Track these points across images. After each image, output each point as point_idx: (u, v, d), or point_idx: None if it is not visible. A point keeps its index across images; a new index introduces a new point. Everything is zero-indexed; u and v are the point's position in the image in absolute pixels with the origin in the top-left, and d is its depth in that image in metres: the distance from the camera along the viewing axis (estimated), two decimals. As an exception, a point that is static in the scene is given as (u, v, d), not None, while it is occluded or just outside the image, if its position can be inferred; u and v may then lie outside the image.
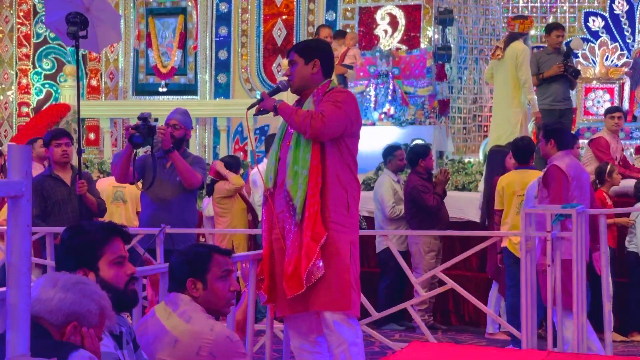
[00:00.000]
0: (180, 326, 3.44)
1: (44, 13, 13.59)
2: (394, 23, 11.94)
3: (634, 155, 10.65)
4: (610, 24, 12.31)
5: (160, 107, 11.04)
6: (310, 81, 4.59)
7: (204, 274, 3.54)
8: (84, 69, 13.43)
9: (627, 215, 7.97)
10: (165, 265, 3.89)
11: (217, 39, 12.99)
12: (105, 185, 8.49)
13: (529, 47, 9.83)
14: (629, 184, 8.38)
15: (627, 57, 12.10)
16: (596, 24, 12.37)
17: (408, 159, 8.54)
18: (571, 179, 6.23)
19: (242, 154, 11.78)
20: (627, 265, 8.05)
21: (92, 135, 13.07)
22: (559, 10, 12.63)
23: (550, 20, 12.30)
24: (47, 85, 13.72)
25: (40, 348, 2.18)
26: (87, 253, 2.98)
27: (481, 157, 10.43)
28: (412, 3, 11.87)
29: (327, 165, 4.46)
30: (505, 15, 12.69)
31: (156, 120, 6.64)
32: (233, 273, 3.70)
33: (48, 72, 13.72)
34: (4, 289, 1.97)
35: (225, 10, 12.95)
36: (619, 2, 12.32)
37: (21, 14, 13.77)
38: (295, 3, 12.66)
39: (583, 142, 10.15)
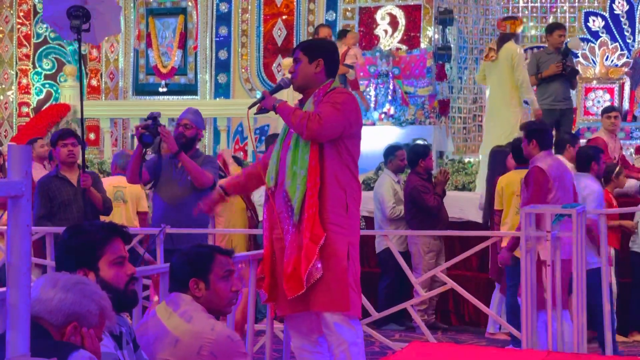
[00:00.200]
0: (181, 326, 3.44)
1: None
2: (394, 23, 11.94)
3: (634, 155, 10.65)
4: (610, 24, 12.32)
5: (161, 107, 11.02)
6: (313, 80, 4.58)
7: (206, 274, 3.54)
8: (83, 69, 13.42)
9: (629, 215, 7.95)
10: (166, 265, 3.89)
11: (217, 39, 12.99)
12: (106, 185, 8.45)
13: (519, 46, 9.87)
14: (628, 184, 8.38)
15: (627, 57, 12.10)
16: (596, 24, 12.38)
17: (408, 159, 8.54)
18: (553, 180, 6.30)
19: (242, 153, 11.77)
20: (630, 265, 8.04)
21: (92, 135, 13.06)
22: (559, 10, 12.64)
23: (551, 20, 12.30)
24: (47, 85, 13.72)
25: (40, 348, 2.17)
26: (87, 253, 2.97)
27: (480, 157, 10.43)
28: (412, 3, 11.87)
29: (325, 166, 4.45)
30: (506, 15, 12.69)
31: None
32: (234, 273, 3.70)
33: (48, 72, 13.72)
34: (4, 289, 1.97)
35: (225, 10, 12.96)
36: (619, 2, 12.32)
37: (21, 14, 13.78)
38: (295, 3, 12.66)
39: (583, 142, 10.14)
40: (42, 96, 13.69)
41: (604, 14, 12.36)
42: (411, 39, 11.82)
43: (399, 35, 11.90)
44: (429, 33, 11.76)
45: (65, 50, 13.63)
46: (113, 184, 8.13)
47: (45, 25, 13.63)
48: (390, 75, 11.28)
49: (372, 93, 11.31)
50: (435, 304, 8.53)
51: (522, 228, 5.44)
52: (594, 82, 11.71)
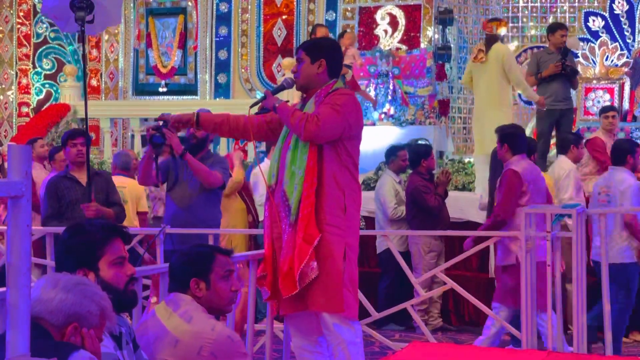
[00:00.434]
0: (181, 326, 3.44)
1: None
2: (394, 23, 11.94)
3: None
4: (610, 24, 12.32)
5: (161, 107, 11.04)
6: (315, 81, 4.59)
7: (207, 274, 3.54)
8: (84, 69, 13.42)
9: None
10: (166, 265, 3.89)
11: (217, 39, 12.99)
12: (106, 185, 8.49)
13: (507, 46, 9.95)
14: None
15: (627, 57, 12.10)
16: (596, 24, 12.38)
17: (410, 159, 8.53)
18: (528, 183, 6.35)
19: (242, 154, 11.77)
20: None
21: (92, 135, 13.05)
22: (559, 10, 12.64)
23: (551, 20, 12.31)
24: (47, 85, 13.72)
25: (41, 348, 2.18)
26: (87, 253, 2.97)
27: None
28: (412, 3, 11.88)
29: (324, 167, 4.45)
30: (506, 15, 12.70)
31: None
32: (234, 273, 3.71)
33: (48, 72, 13.72)
34: (4, 289, 1.96)
35: (225, 10, 12.96)
36: (619, 2, 12.33)
37: (21, 14, 13.78)
38: (295, 3, 12.66)
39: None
40: (42, 96, 13.69)
41: (604, 14, 12.36)
42: (411, 39, 11.82)
43: (399, 35, 11.90)
44: (429, 33, 11.76)
45: (65, 50, 13.63)
46: (113, 183, 8.12)
47: (45, 25, 13.64)
48: (390, 75, 11.29)
49: (372, 93, 11.31)
50: (439, 307, 8.51)
51: (522, 228, 5.44)
52: (594, 82, 11.71)
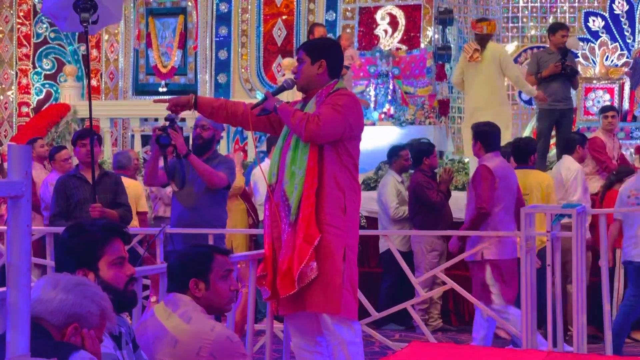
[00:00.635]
0: (181, 326, 3.44)
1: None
2: (394, 23, 11.94)
3: (634, 155, 10.65)
4: (610, 24, 12.32)
5: (161, 108, 11.02)
6: (316, 81, 4.58)
7: (206, 275, 3.54)
8: (83, 69, 13.43)
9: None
10: (165, 265, 3.89)
11: (217, 39, 12.99)
12: (106, 185, 8.49)
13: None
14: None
15: (627, 57, 12.10)
16: (596, 24, 12.38)
17: (412, 158, 8.52)
18: (499, 180, 6.42)
19: (242, 154, 11.78)
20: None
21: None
22: (559, 10, 12.64)
23: (551, 20, 12.31)
24: (47, 85, 13.72)
25: (41, 349, 2.18)
26: (87, 253, 2.97)
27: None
28: (412, 3, 11.88)
29: (324, 167, 4.45)
30: (506, 15, 12.70)
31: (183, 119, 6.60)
32: (233, 272, 3.71)
33: (48, 72, 13.72)
34: (4, 289, 1.96)
35: (225, 10, 12.96)
36: (619, 2, 12.33)
37: (21, 14, 13.77)
38: (295, 3, 12.66)
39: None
40: (42, 96, 13.69)
41: (604, 14, 12.36)
42: (411, 39, 11.82)
43: (398, 35, 11.90)
44: (429, 33, 11.76)
45: (65, 50, 13.63)
46: (113, 184, 8.12)
47: (45, 25, 13.64)
48: (390, 75, 11.28)
49: (372, 93, 11.31)
50: (440, 307, 8.51)
51: (522, 228, 5.45)
52: (594, 82, 11.71)
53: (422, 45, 11.66)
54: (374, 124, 11.03)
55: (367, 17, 12.07)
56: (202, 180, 6.33)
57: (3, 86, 13.84)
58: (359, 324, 4.62)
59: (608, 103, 11.13)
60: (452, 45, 11.73)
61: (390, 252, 7.59)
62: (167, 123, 5.87)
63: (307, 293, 4.39)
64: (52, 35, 13.63)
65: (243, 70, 12.89)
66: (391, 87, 11.23)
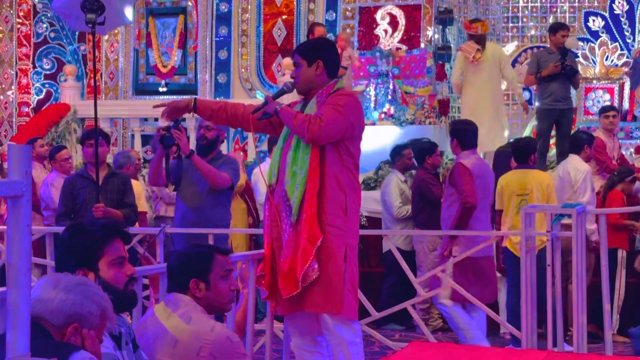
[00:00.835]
0: (181, 326, 3.43)
1: (44, 13, 13.61)
2: (394, 23, 11.93)
3: (634, 155, 10.65)
4: (610, 24, 12.31)
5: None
6: (315, 83, 4.58)
7: (206, 275, 3.54)
8: (83, 69, 13.43)
9: (629, 214, 7.95)
10: (165, 266, 3.88)
11: (217, 39, 12.99)
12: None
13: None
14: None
15: (627, 57, 12.10)
16: (596, 24, 12.37)
17: (415, 157, 8.53)
18: (475, 177, 6.44)
19: (242, 154, 11.78)
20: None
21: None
22: (559, 10, 12.63)
23: (551, 20, 12.30)
24: (47, 85, 13.72)
25: (41, 349, 2.17)
26: (87, 253, 2.97)
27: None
28: (412, 3, 11.87)
29: (326, 167, 4.45)
30: (506, 15, 12.70)
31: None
32: (233, 272, 3.71)
33: (48, 72, 13.72)
34: (4, 289, 1.96)
35: (225, 10, 12.96)
36: (619, 2, 12.32)
37: (21, 13, 13.77)
38: (295, 3, 12.66)
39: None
40: (42, 96, 13.68)
41: (604, 14, 12.36)
42: (411, 38, 11.82)
43: (398, 35, 11.89)
44: (429, 33, 11.76)
45: (65, 50, 13.63)
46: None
47: (45, 25, 13.64)
48: (390, 75, 11.28)
49: (372, 93, 11.31)
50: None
51: (522, 228, 5.45)
52: (594, 82, 11.71)
53: (422, 45, 11.65)
54: (374, 124, 11.03)
55: (367, 17, 12.06)
56: (205, 181, 6.33)
57: (3, 86, 13.84)
58: (359, 324, 4.62)
59: (608, 103, 11.13)
60: (452, 45, 11.72)
61: (393, 251, 7.59)
62: (171, 123, 5.86)
63: (308, 293, 4.39)
64: (52, 35, 13.63)
65: (243, 70, 12.89)
66: (391, 87, 11.23)
